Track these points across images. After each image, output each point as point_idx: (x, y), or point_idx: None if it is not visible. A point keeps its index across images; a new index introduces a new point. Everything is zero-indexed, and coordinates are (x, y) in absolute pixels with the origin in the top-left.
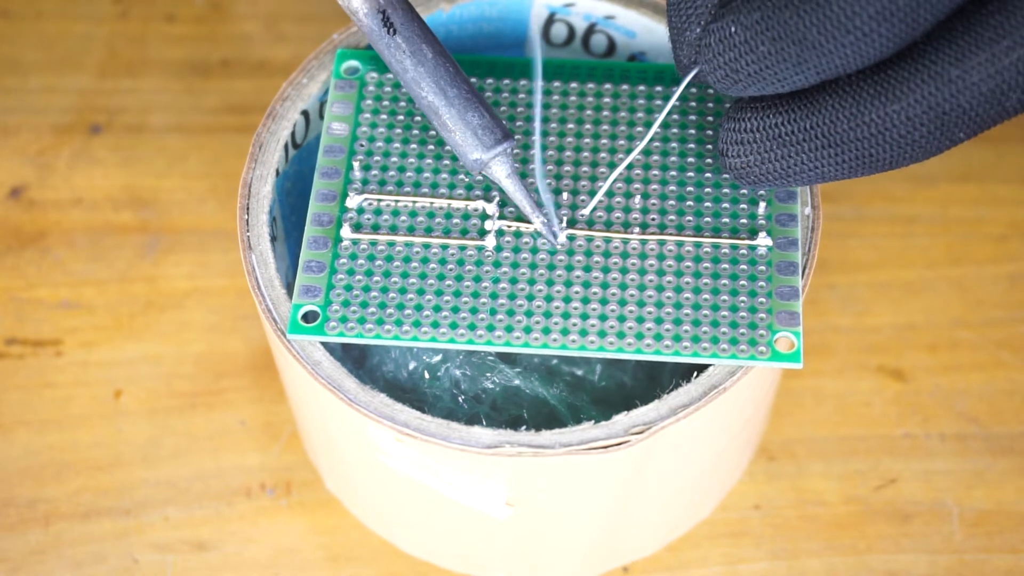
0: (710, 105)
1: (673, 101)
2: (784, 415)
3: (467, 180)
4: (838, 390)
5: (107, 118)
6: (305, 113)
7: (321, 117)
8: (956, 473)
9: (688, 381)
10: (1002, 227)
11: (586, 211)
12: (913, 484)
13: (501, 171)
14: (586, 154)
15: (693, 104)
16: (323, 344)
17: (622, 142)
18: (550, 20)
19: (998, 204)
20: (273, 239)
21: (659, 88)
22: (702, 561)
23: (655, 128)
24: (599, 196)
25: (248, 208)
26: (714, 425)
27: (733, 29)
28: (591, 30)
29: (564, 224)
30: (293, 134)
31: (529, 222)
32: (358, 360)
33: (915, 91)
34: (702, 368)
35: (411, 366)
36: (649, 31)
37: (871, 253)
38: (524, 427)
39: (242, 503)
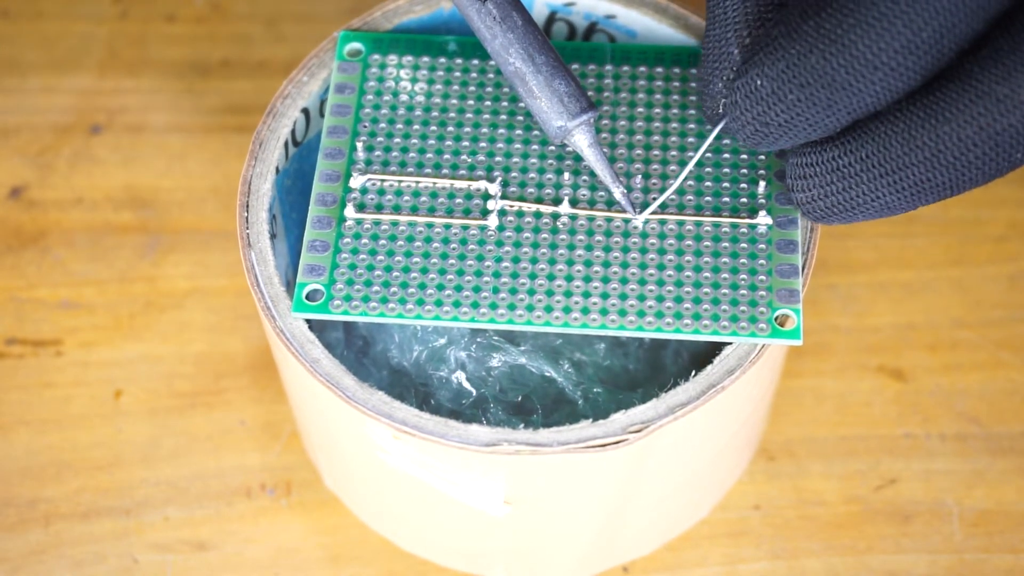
0: None
1: (703, 151)
2: (784, 415)
3: (469, 161)
4: (838, 390)
5: (107, 118)
6: (305, 111)
7: (322, 115)
8: (956, 473)
9: (686, 380)
10: (1002, 227)
11: (654, 203)
12: (913, 484)
13: (584, 140)
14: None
15: (694, 85)
16: (326, 330)
17: (623, 122)
18: (551, 19)
19: (998, 204)
20: (272, 236)
21: (659, 69)
22: (702, 561)
23: (689, 167)
24: (664, 197)
25: (248, 205)
26: (712, 424)
27: (759, 82)
28: (592, 29)
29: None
30: (293, 132)
31: (608, 191)
32: (362, 350)
33: (964, 112)
34: (703, 360)
35: (416, 350)
36: (650, 31)
37: (871, 253)
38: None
39: (242, 503)
